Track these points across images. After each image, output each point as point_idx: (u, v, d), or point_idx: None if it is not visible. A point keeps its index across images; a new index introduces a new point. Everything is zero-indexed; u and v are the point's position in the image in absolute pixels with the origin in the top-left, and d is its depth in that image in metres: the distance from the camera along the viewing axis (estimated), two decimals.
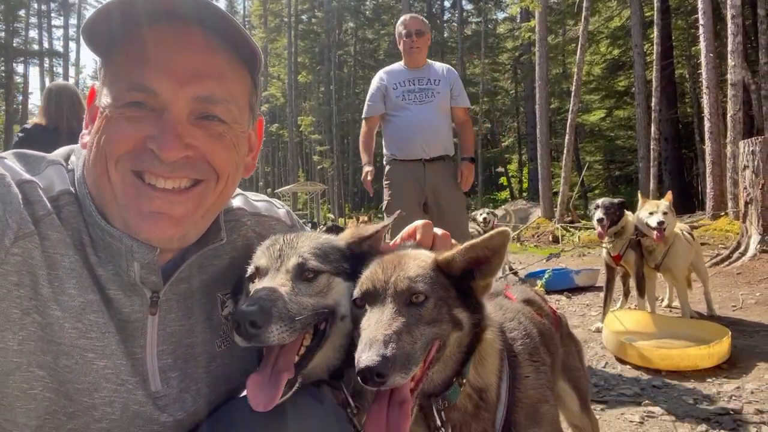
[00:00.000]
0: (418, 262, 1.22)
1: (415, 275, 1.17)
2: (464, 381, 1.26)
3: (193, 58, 1.12)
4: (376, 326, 1.09)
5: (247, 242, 1.39)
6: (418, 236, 1.38)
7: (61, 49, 47.11)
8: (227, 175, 1.21)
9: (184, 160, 1.12)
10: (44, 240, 1.06)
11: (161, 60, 1.09)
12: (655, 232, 4.83)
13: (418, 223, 1.41)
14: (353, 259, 1.32)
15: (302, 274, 1.23)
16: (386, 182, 5.04)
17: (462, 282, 1.24)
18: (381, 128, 5.18)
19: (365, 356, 1.02)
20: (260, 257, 1.28)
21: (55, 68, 47.09)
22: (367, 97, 5.20)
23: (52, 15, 46.83)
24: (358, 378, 1.02)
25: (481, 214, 9.62)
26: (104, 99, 1.12)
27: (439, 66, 5.20)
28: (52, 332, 1.06)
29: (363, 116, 5.18)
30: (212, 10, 1.11)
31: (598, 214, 5.06)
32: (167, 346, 1.21)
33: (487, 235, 1.19)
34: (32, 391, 1.05)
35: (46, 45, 46.16)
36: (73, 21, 47.29)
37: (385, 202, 5.01)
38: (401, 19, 5.19)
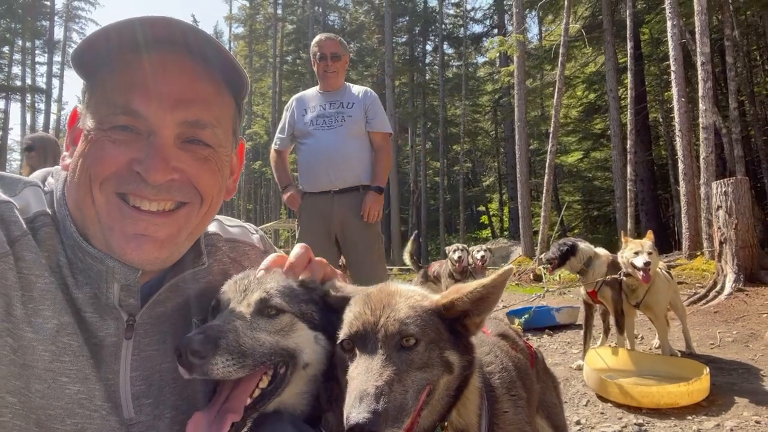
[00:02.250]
0: (409, 302, 1.16)
1: (406, 317, 1.11)
2: (446, 424, 1.21)
3: (180, 82, 1.14)
4: (366, 376, 1.01)
5: (223, 267, 1.39)
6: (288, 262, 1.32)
7: (44, 86, 47.12)
8: (211, 198, 1.22)
9: (170, 183, 1.12)
10: (19, 261, 1.04)
11: (149, 84, 1.10)
12: (641, 273, 4.70)
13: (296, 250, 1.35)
14: (326, 312, 1.26)
15: (264, 309, 1.18)
16: (297, 217, 4.67)
17: (455, 322, 1.18)
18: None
19: (355, 413, 0.94)
20: (226, 289, 1.25)
21: (37, 104, 46.93)
22: (278, 127, 4.85)
23: (37, 52, 46.94)
24: None
25: (454, 251, 8.57)
26: (88, 122, 1.12)
27: (357, 89, 4.79)
28: (25, 355, 1.03)
29: (273, 148, 4.82)
30: (200, 36, 1.13)
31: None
32: (141, 371, 1.18)
33: (495, 274, 1.15)
34: (1, 419, 1.01)
35: (29, 81, 46.04)
36: (57, 58, 47.40)
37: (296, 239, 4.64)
38: (316, 39, 4.77)
